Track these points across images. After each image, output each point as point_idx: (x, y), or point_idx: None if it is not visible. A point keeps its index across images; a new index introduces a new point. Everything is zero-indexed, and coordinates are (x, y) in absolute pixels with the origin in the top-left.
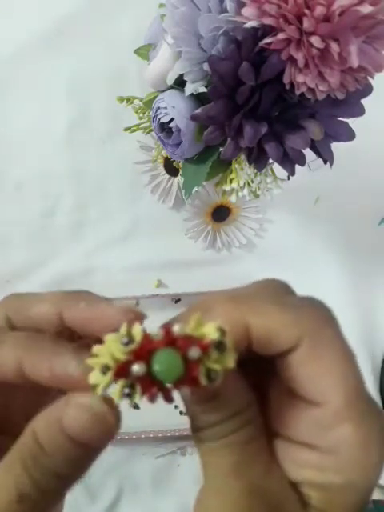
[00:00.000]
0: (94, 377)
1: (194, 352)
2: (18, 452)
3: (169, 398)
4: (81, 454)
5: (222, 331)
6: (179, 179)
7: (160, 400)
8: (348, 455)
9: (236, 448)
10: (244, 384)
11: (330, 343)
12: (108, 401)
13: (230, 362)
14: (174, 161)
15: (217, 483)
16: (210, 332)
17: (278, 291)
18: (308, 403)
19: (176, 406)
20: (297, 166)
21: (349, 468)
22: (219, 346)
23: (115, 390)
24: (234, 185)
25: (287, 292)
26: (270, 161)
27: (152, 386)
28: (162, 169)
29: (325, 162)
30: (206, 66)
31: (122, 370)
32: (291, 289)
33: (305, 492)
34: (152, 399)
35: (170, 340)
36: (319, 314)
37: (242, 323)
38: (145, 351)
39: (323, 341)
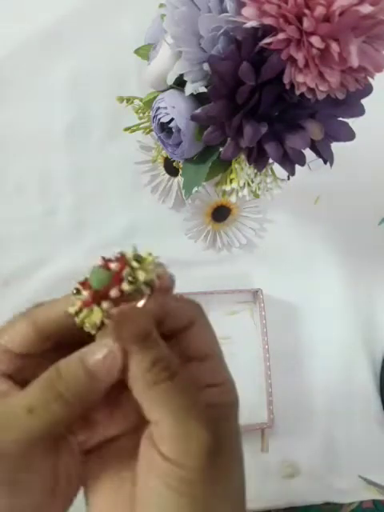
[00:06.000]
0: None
1: (115, 266)
2: (38, 379)
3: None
4: (89, 384)
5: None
6: (179, 179)
7: None
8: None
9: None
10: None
11: None
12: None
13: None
14: (174, 161)
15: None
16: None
17: None
18: None
19: None
20: (297, 166)
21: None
22: (132, 272)
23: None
24: (234, 185)
25: None
26: (270, 161)
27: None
28: (162, 169)
29: (325, 162)
30: (206, 66)
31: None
32: None
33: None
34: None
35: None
36: None
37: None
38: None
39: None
